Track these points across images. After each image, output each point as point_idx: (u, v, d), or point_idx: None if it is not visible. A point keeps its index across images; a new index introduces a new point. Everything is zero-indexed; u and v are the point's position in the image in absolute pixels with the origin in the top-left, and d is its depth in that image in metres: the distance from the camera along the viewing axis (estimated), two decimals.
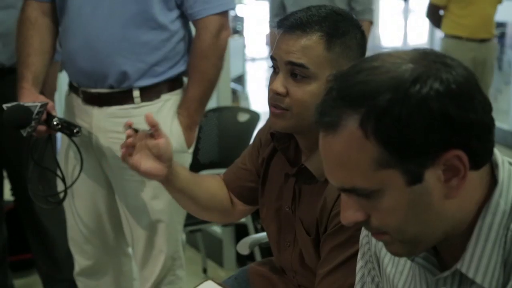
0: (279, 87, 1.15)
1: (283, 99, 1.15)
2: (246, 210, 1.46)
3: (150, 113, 1.30)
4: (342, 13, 1.17)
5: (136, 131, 1.30)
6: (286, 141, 1.28)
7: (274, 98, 1.17)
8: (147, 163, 1.29)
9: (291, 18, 1.16)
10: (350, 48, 1.15)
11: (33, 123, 1.54)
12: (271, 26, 3.35)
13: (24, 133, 1.54)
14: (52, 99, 2.25)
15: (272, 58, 1.18)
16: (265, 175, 1.36)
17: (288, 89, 1.15)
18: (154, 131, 1.29)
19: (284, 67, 1.15)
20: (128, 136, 1.29)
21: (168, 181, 1.35)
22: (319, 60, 1.13)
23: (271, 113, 1.19)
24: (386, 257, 0.94)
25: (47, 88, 2.11)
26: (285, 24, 1.16)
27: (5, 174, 2.23)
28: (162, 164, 1.29)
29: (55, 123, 1.59)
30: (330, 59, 1.13)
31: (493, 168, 0.80)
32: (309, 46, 1.13)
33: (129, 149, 1.30)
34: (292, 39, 1.14)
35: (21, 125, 1.53)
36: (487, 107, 0.76)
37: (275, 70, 1.18)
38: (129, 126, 1.30)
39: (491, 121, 0.76)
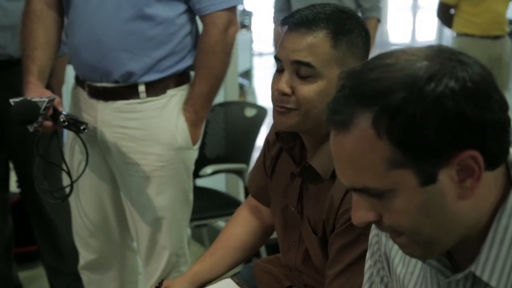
0: (284, 87, 1.12)
1: (289, 99, 1.13)
2: None
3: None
4: (347, 11, 1.15)
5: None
6: (291, 140, 1.26)
7: (280, 99, 1.14)
8: None
9: (296, 15, 1.13)
10: (356, 46, 1.13)
11: (40, 119, 1.53)
12: (275, 22, 3.32)
13: (30, 128, 1.53)
14: (60, 92, 2.25)
15: (277, 58, 1.15)
16: (272, 172, 1.35)
17: (294, 88, 1.12)
18: None
19: (290, 66, 1.12)
20: None
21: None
22: (325, 58, 1.10)
23: (276, 111, 1.16)
24: (397, 257, 0.92)
25: (55, 81, 2.11)
26: (290, 21, 1.13)
27: (11, 166, 2.23)
28: None
29: (61, 120, 1.57)
30: (336, 57, 1.11)
31: (509, 169, 0.78)
32: (315, 44, 1.10)
33: None
34: (298, 37, 1.11)
35: (28, 120, 1.52)
36: (504, 106, 0.73)
37: (279, 70, 1.15)
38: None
39: (508, 120, 0.74)
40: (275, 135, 1.29)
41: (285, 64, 1.13)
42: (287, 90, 1.12)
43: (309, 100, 1.12)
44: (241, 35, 4.61)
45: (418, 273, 0.88)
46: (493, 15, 3.77)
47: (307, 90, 1.11)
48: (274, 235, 1.47)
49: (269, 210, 1.42)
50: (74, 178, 1.70)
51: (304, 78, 1.11)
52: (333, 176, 1.14)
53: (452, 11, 3.91)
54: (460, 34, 3.87)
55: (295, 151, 1.27)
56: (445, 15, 3.98)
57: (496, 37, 3.81)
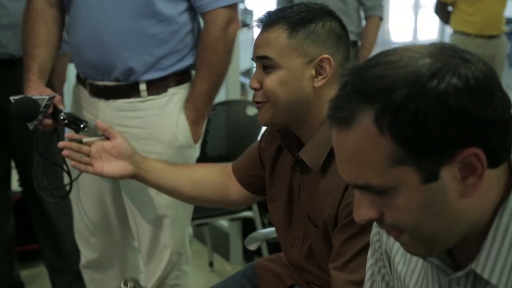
0: (253, 83, 1.21)
1: (258, 93, 1.22)
2: (249, 197, 1.48)
3: (98, 120, 1.43)
4: (311, 6, 1.21)
5: (80, 142, 1.40)
6: (291, 137, 1.28)
7: (254, 95, 1.23)
8: (109, 166, 1.41)
9: (262, 17, 1.22)
10: (317, 34, 1.18)
11: (40, 116, 1.53)
12: None
13: (30, 126, 1.53)
14: (61, 90, 2.25)
15: (252, 59, 1.24)
16: (273, 169, 1.35)
17: (262, 82, 1.21)
18: (107, 134, 1.40)
19: (257, 63, 1.21)
20: (67, 155, 1.41)
21: (139, 176, 1.43)
22: (281, 49, 1.17)
23: (256, 109, 1.24)
24: (398, 255, 0.92)
25: (57, 79, 2.11)
26: (257, 23, 1.22)
27: (13, 164, 2.23)
28: (125, 161, 1.40)
29: (61, 118, 1.56)
30: (293, 45, 1.17)
31: (511, 167, 0.78)
32: (272, 38, 1.18)
33: (83, 158, 1.41)
34: (260, 35, 1.21)
35: (28, 118, 1.52)
36: (507, 104, 0.73)
37: None
38: (71, 139, 1.40)
39: (511, 118, 0.74)
40: (277, 131, 1.30)
41: (255, 62, 1.22)
42: (254, 85, 1.21)
43: (271, 90, 1.19)
44: (242, 34, 4.59)
45: (419, 271, 0.88)
46: (490, 15, 3.76)
47: (269, 81, 1.19)
48: (275, 234, 1.47)
49: (244, 190, 1.45)
50: (74, 176, 1.70)
51: (267, 71, 1.19)
52: (323, 168, 1.18)
53: (450, 8, 3.91)
54: (456, 32, 3.87)
55: (294, 146, 1.28)
56: (442, 12, 3.98)
57: (491, 37, 3.80)
